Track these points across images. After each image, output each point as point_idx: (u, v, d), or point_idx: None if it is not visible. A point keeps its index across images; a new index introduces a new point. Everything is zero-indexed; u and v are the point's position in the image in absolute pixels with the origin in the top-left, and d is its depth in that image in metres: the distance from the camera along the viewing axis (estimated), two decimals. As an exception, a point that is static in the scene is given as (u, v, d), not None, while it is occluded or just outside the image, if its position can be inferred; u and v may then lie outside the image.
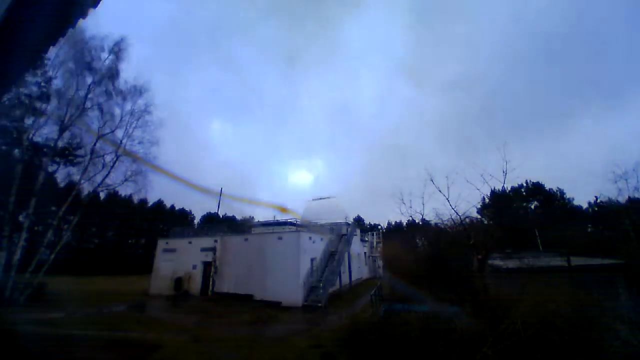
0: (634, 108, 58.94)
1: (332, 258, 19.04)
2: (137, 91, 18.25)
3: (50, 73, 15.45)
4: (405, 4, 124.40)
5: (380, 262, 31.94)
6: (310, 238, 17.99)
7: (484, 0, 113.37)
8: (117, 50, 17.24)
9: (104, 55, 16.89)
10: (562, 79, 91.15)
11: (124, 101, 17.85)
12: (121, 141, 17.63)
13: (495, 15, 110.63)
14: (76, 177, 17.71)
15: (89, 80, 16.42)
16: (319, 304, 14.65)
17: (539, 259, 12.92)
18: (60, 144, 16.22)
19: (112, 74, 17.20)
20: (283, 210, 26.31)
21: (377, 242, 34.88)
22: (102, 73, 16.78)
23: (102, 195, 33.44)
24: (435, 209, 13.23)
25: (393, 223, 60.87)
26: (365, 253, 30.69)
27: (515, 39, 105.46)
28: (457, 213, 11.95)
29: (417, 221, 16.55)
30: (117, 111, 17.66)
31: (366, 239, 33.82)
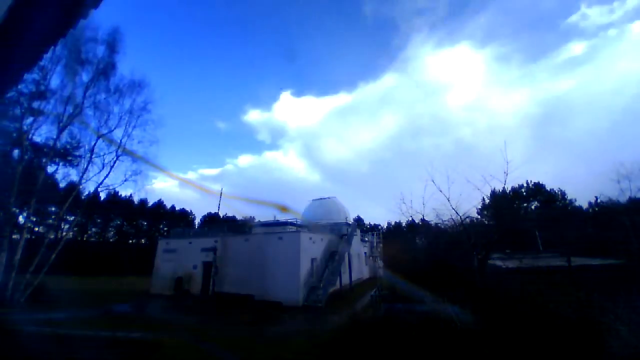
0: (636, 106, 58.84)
1: (333, 258, 19.04)
2: (136, 86, 18.12)
3: (48, 70, 15.40)
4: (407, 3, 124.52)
5: (380, 262, 31.97)
6: (310, 238, 17.99)
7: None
8: (112, 41, 17.11)
9: (99, 48, 16.73)
10: (564, 77, 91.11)
11: (123, 98, 17.75)
12: (121, 140, 17.60)
13: (495, 14, 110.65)
14: (76, 177, 17.71)
15: (87, 76, 16.33)
16: (319, 304, 14.65)
17: (539, 259, 12.93)
18: (59, 143, 16.20)
19: (108, 67, 17.06)
20: (283, 210, 26.31)
21: (377, 242, 34.90)
22: (98, 67, 16.57)
23: (102, 195, 33.40)
24: (436, 209, 13.23)
25: (393, 223, 60.90)
26: (365, 253, 30.70)
27: (515, 39, 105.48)
28: (457, 213, 11.97)
29: (417, 221, 16.56)
30: (116, 109, 17.60)
31: (366, 239, 33.82)
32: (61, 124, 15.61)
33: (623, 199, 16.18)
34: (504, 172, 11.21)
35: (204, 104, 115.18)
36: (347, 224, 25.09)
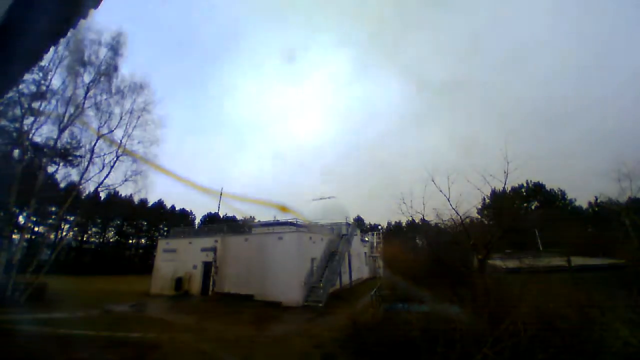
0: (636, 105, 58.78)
1: (333, 258, 19.05)
2: (137, 88, 18.18)
3: (49, 70, 15.41)
4: (408, 4, 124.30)
5: (380, 262, 31.97)
6: (310, 238, 17.99)
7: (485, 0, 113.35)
8: (115, 44, 17.17)
9: (102, 50, 16.80)
10: (564, 77, 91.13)
11: (123, 99, 17.79)
12: (121, 141, 17.62)
13: (495, 14, 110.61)
14: (76, 177, 17.71)
15: (88, 77, 16.37)
16: (319, 304, 14.65)
17: (539, 259, 12.92)
18: (59, 144, 16.20)
19: (110, 69, 17.11)
20: (283, 210, 26.30)
21: (377, 242, 34.91)
22: (100, 69, 16.67)
23: (102, 195, 33.35)
24: (436, 209, 13.22)
25: (393, 223, 60.91)
26: (365, 253, 30.71)
27: (515, 39, 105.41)
28: (457, 213, 11.96)
29: (417, 221, 16.56)
30: (117, 110, 17.63)
31: (366, 239, 33.82)
32: (62, 124, 15.63)
33: (623, 198, 16.17)
34: (504, 172, 11.20)
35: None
36: (347, 224, 25.11)
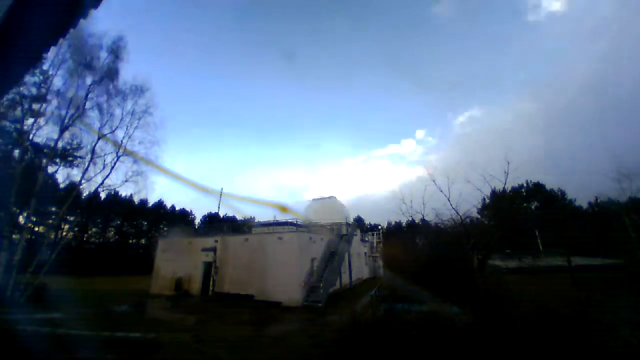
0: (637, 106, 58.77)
1: (333, 258, 19.04)
2: (138, 90, 18.23)
3: (50, 72, 15.44)
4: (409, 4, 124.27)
5: (380, 262, 31.98)
6: (310, 238, 17.99)
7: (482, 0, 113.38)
8: (116, 48, 17.22)
9: (103, 54, 16.84)
10: (564, 77, 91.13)
11: (125, 101, 17.82)
12: (122, 141, 17.62)
13: (494, 13, 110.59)
14: (77, 178, 17.71)
15: (89, 79, 16.39)
16: (319, 304, 14.64)
17: (539, 259, 12.94)
18: (60, 144, 16.21)
19: (112, 73, 17.15)
20: (283, 210, 26.29)
21: (377, 242, 34.90)
22: (101, 72, 16.71)
23: (102, 195, 33.41)
24: (436, 209, 13.24)
25: (393, 223, 60.91)
26: (365, 253, 30.70)
27: (514, 39, 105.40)
28: (457, 213, 11.97)
29: (417, 221, 16.57)
30: (118, 111, 17.65)
31: (366, 239, 33.81)
32: (63, 125, 15.64)
33: (623, 198, 16.17)
34: (504, 172, 11.23)
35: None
36: (347, 224, 25.10)
